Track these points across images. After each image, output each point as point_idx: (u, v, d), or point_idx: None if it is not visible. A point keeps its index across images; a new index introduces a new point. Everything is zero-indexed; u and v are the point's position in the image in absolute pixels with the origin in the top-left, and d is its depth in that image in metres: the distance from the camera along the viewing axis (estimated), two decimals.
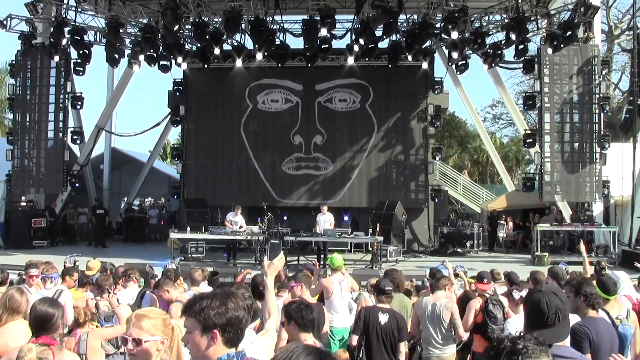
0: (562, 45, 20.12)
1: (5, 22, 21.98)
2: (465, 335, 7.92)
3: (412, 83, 25.23)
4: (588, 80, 21.43)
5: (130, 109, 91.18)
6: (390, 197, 24.40)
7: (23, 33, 22.48)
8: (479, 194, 34.68)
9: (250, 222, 21.01)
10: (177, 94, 26.67)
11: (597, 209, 21.71)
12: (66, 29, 20.95)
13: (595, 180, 21.09)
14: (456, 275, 10.45)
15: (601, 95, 21.58)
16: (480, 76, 54.37)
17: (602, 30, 28.58)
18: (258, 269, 12.57)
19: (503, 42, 21.21)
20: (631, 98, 23.09)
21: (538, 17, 21.40)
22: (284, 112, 26.06)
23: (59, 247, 23.27)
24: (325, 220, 20.58)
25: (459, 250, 23.47)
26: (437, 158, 25.92)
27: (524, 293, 7.15)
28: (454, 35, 19.75)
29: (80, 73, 23.03)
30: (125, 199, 32.24)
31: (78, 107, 24.79)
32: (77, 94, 24.52)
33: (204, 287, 9.38)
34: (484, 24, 21.93)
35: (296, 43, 23.01)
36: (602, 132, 21.30)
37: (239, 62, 22.49)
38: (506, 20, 20.58)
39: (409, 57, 22.08)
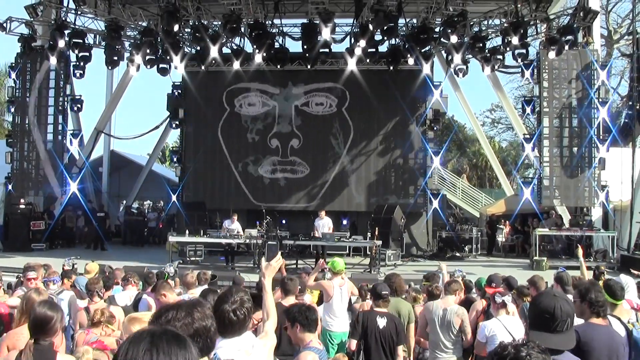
0: (561, 50, 20.14)
1: (5, 25, 22.00)
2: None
3: (412, 87, 25.21)
4: (587, 84, 21.44)
5: (129, 112, 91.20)
6: (389, 201, 24.42)
7: (23, 36, 22.54)
8: (478, 198, 34.68)
9: (249, 226, 20.98)
10: (176, 96, 26.66)
11: (596, 213, 21.72)
12: (66, 32, 20.97)
13: (594, 185, 21.11)
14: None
15: (600, 99, 21.59)
16: (480, 80, 54.42)
17: (601, 35, 28.61)
18: (257, 272, 12.58)
19: (502, 46, 21.23)
20: (630, 103, 23.11)
21: (537, 21, 21.42)
22: (282, 115, 26.02)
23: (58, 250, 23.25)
24: (324, 224, 20.58)
25: (458, 254, 23.45)
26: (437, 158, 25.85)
27: (507, 297, 7.13)
28: (453, 39, 19.76)
29: (80, 76, 23.02)
30: (124, 201, 32.21)
31: (77, 109, 24.80)
32: (77, 97, 24.57)
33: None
34: (483, 28, 21.97)
35: (295, 47, 23.08)
36: (601, 137, 21.30)
37: (236, 65, 22.45)
38: (505, 25, 20.60)
39: (409, 61, 22.07)
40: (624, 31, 38.61)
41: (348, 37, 22.61)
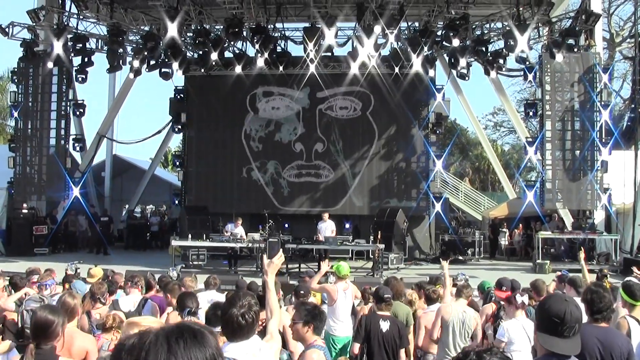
0: (563, 53, 20.13)
1: (7, 30, 22.03)
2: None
3: (414, 90, 25.21)
4: (589, 87, 21.41)
5: (131, 116, 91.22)
6: (392, 204, 24.41)
7: (25, 40, 22.55)
8: (481, 201, 34.64)
9: (252, 230, 20.93)
10: (179, 101, 26.70)
11: (599, 216, 21.69)
12: (68, 37, 21.02)
13: (596, 188, 21.08)
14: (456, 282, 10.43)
15: (602, 102, 21.56)
16: (482, 83, 54.44)
17: (603, 38, 28.61)
18: (259, 276, 12.55)
19: (504, 49, 21.23)
20: (633, 105, 23.08)
21: (539, 24, 21.42)
22: (285, 120, 26.09)
23: (61, 255, 23.23)
24: (327, 228, 20.57)
25: (460, 257, 23.40)
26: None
27: (525, 298, 7.13)
28: (455, 42, 19.78)
29: (82, 80, 23.05)
30: (127, 206, 32.20)
31: (80, 114, 24.83)
32: (79, 102, 24.58)
33: (216, 295, 9.38)
34: (485, 31, 21.97)
35: (297, 51, 23.09)
36: (603, 140, 21.28)
37: (238, 69, 22.47)
38: (507, 28, 20.60)
39: (411, 65, 22.06)
40: (626, 34, 38.56)
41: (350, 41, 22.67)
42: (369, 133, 25.84)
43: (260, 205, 23.96)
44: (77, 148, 25.35)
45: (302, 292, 8.60)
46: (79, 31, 21.64)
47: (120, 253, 25.06)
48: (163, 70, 22.76)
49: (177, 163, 27.72)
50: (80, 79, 23.07)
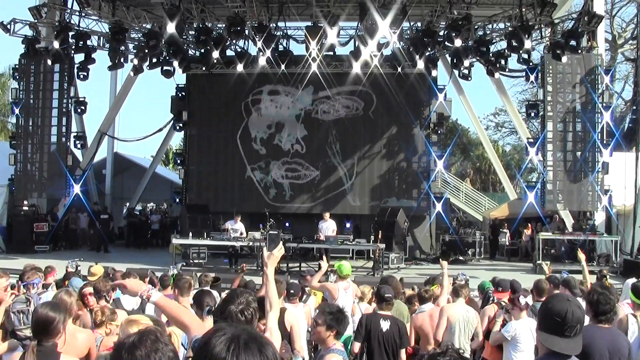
0: (565, 54, 20.12)
1: (9, 26, 22.00)
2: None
3: (416, 90, 25.22)
4: (591, 89, 21.40)
5: (133, 114, 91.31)
6: (393, 204, 24.41)
7: (26, 37, 22.53)
8: (481, 202, 34.61)
9: (252, 229, 20.96)
10: (180, 99, 26.70)
11: (599, 218, 21.68)
12: (70, 34, 21.01)
13: (597, 190, 21.08)
14: (455, 282, 10.43)
15: (604, 104, 21.55)
16: (484, 84, 54.41)
17: (605, 40, 28.56)
18: (260, 275, 12.53)
19: (506, 50, 21.21)
20: (634, 107, 23.07)
21: (542, 25, 21.40)
22: (287, 119, 26.09)
23: (61, 252, 23.21)
24: (327, 227, 20.57)
25: (461, 258, 23.39)
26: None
27: (529, 299, 7.13)
28: (458, 43, 19.76)
29: (83, 78, 23.05)
30: (128, 204, 32.23)
31: (81, 111, 24.82)
32: (80, 99, 24.60)
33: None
34: (488, 32, 21.95)
35: (299, 50, 23.07)
36: (604, 141, 21.27)
37: (240, 67, 22.46)
38: (510, 29, 20.58)
39: (413, 65, 22.05)
40: (628, 36, 38.53)
41: (352, 40, 22.64)
42: (371, 133, 25.86)
43: (261, 204, 23.99)
44: (78, 145, 25.33)
45: (292, 291, 8.53)
46: (80, 28, 21.62)
47: (120, 251, 25.08)
48: (165, 68, 22.76)
49: (178, 161, 27.76)
50: (81, 77, 23.09)
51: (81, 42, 21.29)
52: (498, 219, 27.02)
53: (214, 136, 26.39)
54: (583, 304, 4.92)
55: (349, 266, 9.54)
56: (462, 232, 25.80)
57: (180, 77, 25.82)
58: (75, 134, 25.01)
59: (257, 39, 20.57)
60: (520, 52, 20.41)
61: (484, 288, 9.90)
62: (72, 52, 22.38)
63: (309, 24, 21.99)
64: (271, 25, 21.12)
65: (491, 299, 8.92)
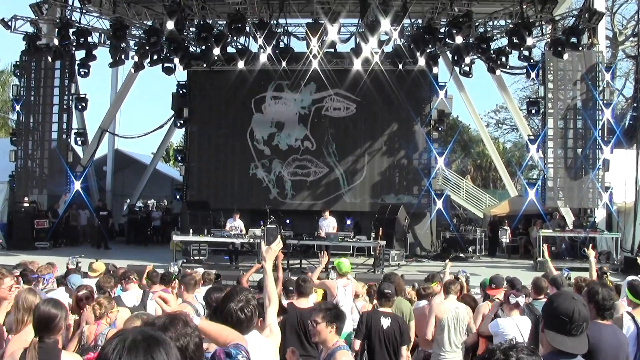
0: (566, 51, 20.11)
1: (10, 23, 22.01)
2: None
3: (416, 87, 25.20)
4: (592, 86, 21.39)
5: (133, 111, 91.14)
6: (393, 201, 24.41)
7: (27, 34, 22.55)
8: (482, 199, 34.60)
9: (253, 226, 20.98)
10: (181, 96, 26.69)
11: (600, 215, 21.68)
12: (70, 31, 21.01)
13: (597, 187, 21.08)
14: (457, 278, 10.43)
15: (605, 101, 21.54)
16: (484, 81, 54.34)
17: (606, 37, 28.52)
18: (260, 272, 12.55)
19: (507, 47, 21.21)
20: (635, 104, 23.05)
21: (543, 22, 21.40)
22: (288, 117, 26.08)
23: (62, 249, 23.26)
24: (328, 224, 20.59)
25: (461, 255, 23.38)
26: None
27: (521, 299, 7.08)
28: (459, 40, 19.77)
29: (84, 74, 23.04)
30: (128, 200, 32.22)
31: (82, 108, 24.82)
32: (81, 96, 24.60)
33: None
34: (489, 29, 21.94)
35: (300, 47, 23.07)
36: (605, 138, 21.26)
37: (241, 64, 22.47)
38: (511, 26, 20.58)
39: (414, 62, 22.05)
40: (629, 33, 38.51)
41: (353, 37, 22.64)
42: (371, 130, 25.85)
43: (261, 201, 24.01)
44: (79, 142, 25.35)
45: (303, 291, 8.45)
46: (81, 25, 21.61)
47: (121, 248, 25.09)
48: (165, 65, 22.75)
49: (179, 158, 27.73)
50: (82, 73, 23.05)
51: (82, 39, 21.27)
52: (497, 216, 27.01)
53: (215, 133, 26.40)
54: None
55: (348, 263, 9.53)
56: (463, 229, 25.79)
57: (181, 74, 25.84)
58: (76, 130, 25.04)
59: (257, 36, 20.58)
60: (521, 49, 20.47)
61: (485, 286, 9.90)
62: (73, 48, 22.38)
63: (310, 20, 22.00)
64: (272, 22, 21.13)
65: (488, 296, 8.93)
